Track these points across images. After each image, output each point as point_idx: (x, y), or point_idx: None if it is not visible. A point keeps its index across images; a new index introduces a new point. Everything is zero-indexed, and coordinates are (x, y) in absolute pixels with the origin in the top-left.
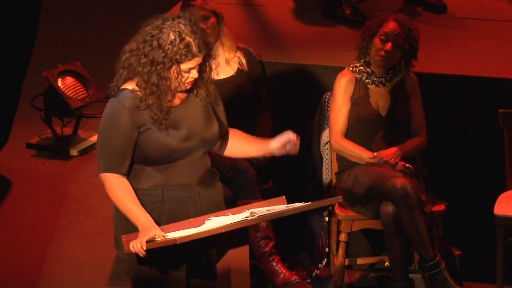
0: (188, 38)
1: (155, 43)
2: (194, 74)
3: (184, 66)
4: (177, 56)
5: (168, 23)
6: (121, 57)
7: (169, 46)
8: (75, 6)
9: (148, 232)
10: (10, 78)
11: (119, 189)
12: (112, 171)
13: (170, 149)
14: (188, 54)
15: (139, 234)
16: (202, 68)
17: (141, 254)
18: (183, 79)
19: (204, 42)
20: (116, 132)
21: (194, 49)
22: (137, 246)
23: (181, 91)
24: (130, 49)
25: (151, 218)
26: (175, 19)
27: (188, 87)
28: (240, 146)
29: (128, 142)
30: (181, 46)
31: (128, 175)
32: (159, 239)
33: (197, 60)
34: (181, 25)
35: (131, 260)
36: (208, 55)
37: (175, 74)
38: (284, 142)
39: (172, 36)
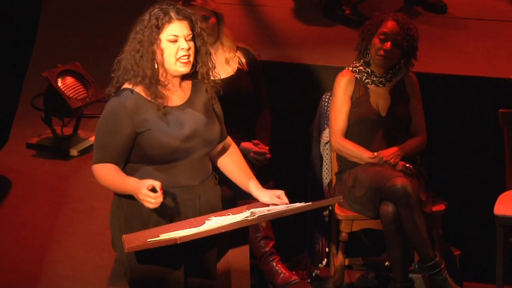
0: (165, 6)
1: (138, 25)
2: (182, 44)
3: (166, 34)
4: (154, 21)
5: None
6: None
7: (148, 15)
8: (75, 6)
9: (141, 185)
10: (10, 78)
11: (105, 171)
12: (103, 162)
13: (171, 148)
14: (166, 16)
15: (136, 191)
16: (199, 43)
17: (156, 203)
18: (171, 51)
19: (185, 11)
20: (113, 131)
21: (172, 13)
22: (151, 203)
23: (180, 73)
24: (124, 48)
25: (136, 179)
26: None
27: (184, 66)
28: (233, 168)
29: (125, 143)
30: (159, 11)
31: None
32: (158, 183)
33: (179, 26)
34: (163, 4)
35: (129, 260)
36: (198, 30)
37: (159, 46)
38: (273, 201)
39: (152, 10)
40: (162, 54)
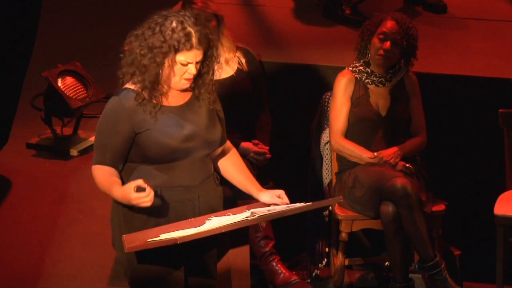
0: (189, 28)
1: (157, 29)
2: (191, 69)
3: (181, 57)
4: (175, 43)
5: (173, 13)
6: (126, 40)
7: (170, 32)
8: (75, 6)
9: (128, 191)
10: (10, 78)
11: (100, 175)
12: (103, 164)
13: (170, 148)
14: (187, 43)
15: (127, 198)
16: (205, 70)
17: (148, 201)
18: (179, 72)
19: (206, 38)
20: (112, 130)
21: (194, 40)
22: (139, 201)
23: (179, 89)
24: (136, 33)
25: (119, 187)
26: (181, 11)
27: (186, 85)
28: (232, 170)
29: (124, 142)
30: (181, 34)
31: (120, 171)
32: (140, 181)
33: (196, 54)
34: (185, 16)
35: (129, 260)
36: (210, 55)
37: (170, 62)
38: (274, 201)
39: (174, 24)
40: (169, 71)
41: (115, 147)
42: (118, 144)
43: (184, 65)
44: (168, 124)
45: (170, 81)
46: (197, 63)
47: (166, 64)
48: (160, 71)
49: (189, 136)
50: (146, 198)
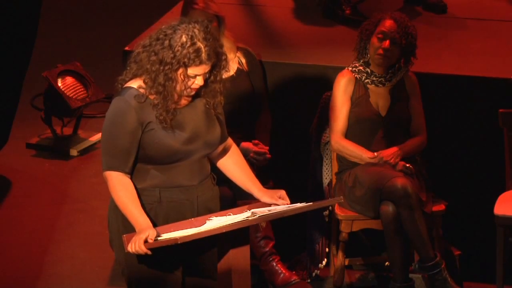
0: (199, 44)
1: (166, 42)
2: (199, 81)
3: (190, 71)
4: (185, 60)
5: (183, 25)
6: (134, 51)
7: (179, 48)
8: (75, 6)
9: (142, 234)
10: (10, 78)
11: (121, 188)
12: (116, 169)
13: (172, 150)
14: (196, 59)
15: (136, 235)
16: (212, 79)
17: (142, 253)
18: (188, 83)
19: (215, 52)
20: (121, 131)
21: (203, 55)
22: (134, 248)
23: (186, 96)
24: (143, 44)
25: (149, 220)
26: (191, 23)
27: (192, 93)
28: (234, 169)
29: (133, 141)
30: (191, 50)
31: (131, 174)
32: (151, 241)
33: (204, 68)
34: (195, 30)
35: (126, 259)
36: (218, 66)
37: (182, 77)
38: (274, 201)
39: (184, 39)
40: (179, 82)
41: (127, 148)
42: (129, 145)
43: (192, 77)
44: (172, 126)
45: (181, 90)
46: (204, 74)
47: (179, 78)
48: (173, 84)
49: (191, 137)
50: (140, 251)
